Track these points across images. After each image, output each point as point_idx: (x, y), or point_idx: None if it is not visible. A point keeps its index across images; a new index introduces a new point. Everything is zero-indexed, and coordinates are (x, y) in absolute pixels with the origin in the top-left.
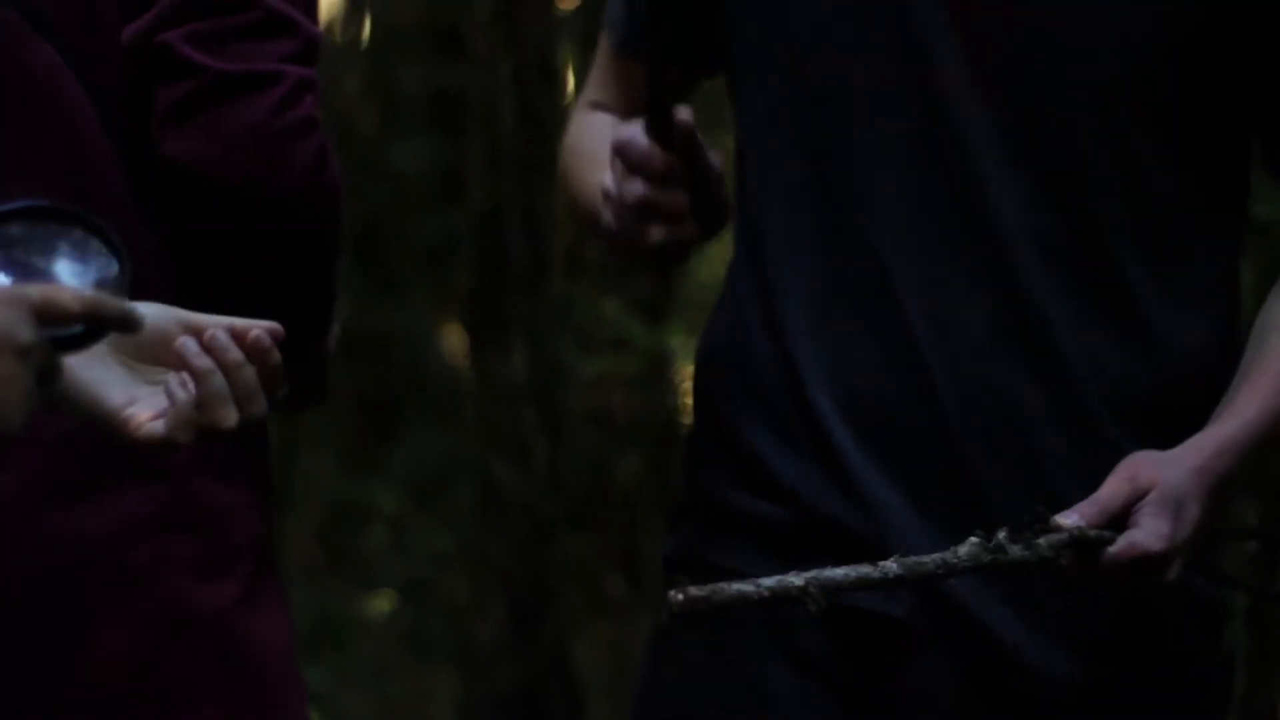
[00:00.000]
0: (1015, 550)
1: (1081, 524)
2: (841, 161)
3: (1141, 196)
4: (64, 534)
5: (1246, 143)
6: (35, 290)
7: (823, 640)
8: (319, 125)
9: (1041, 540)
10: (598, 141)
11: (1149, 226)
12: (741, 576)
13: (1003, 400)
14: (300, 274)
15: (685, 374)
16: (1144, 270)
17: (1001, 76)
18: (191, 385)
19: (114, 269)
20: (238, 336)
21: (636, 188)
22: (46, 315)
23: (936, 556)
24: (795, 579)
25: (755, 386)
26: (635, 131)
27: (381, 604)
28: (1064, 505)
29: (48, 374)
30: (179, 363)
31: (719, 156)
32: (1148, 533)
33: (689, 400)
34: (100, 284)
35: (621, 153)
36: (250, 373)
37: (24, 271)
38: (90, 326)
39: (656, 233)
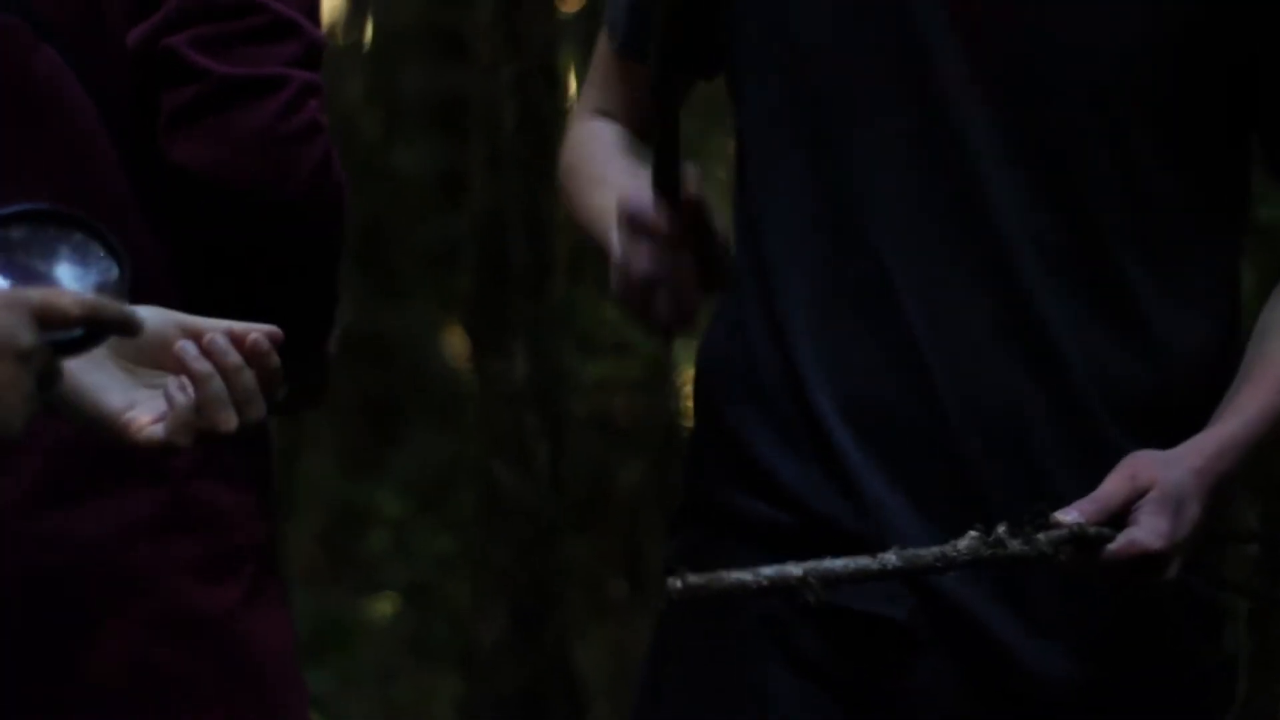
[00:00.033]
0: (1014, 545)
1: (1081, 521)
2: (841, 161)
3: (1141, 197)
4: (65, 536)
5: (1247, 143)
6: (36, 294)
7: (822, 642)
8: (324, 129)
9: (1041, 535)
10: (600, 161)
11: (1149, 226)
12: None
13: (1003, 400)
14: (304, 277)
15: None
16: (1144, 270)
17: (1001, 77)
18: (190, 389)
19: (114, 273)
20: (236, 340)
21: (643, 261)
22: (47, 319)
23: (935, 550)
24: (794, 569)
25: (756, 388)
26: (641, 196)
27: (383, 607)
28: (1064, 504)
29: (48, 378)
30: (178, 366)
31: (721, 222)
32: (1147, 531)
33: (691, 403)
34: (100, 288)
35: (628, 220)
36: (249, 376)
37: (24, 275)
38: (90, 330)
39: (663, 303)
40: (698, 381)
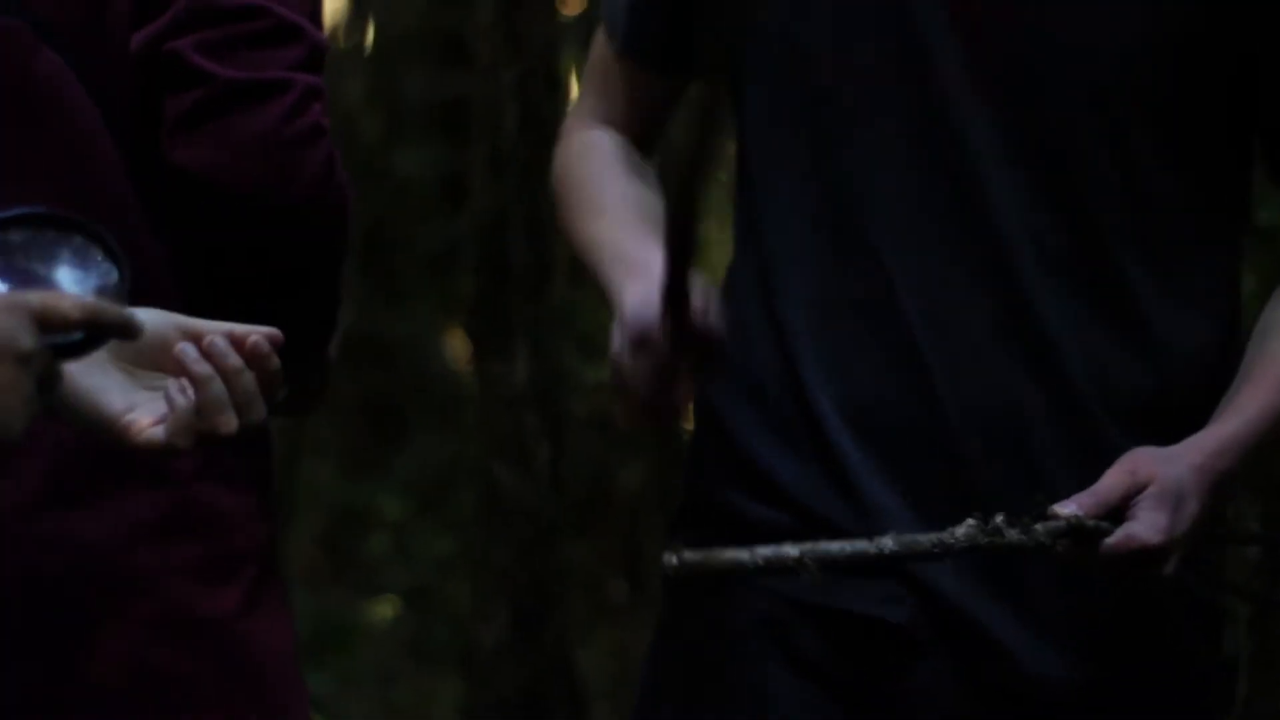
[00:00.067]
0: (1012, 535)
1: (1079, 514)
2: (841, 161)
3: (1141, 197)
4: (67, 538)
5: (1247, 145)
6: (36, 297)
7: (822, 643)
8: (327, 132)
9: (1039, 526)
10: (597, 183)
11: (1149, 227)
12: (743, 582)
13: (1002, 401)
14: (306, 280)
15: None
16: (1144, 271)
17: (1001, 77)
18: (191, 391)
19: (114, 276)
20: (236, 342)
21: (643, 375)
22: (47, 322)
23: (933, 536)
24: (791, 549)
25: (756, 389)
26: (647, 311)
27: (384, 609)
28: (1062, 499)
29: (48, 381)
30: (178, 369)
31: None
32: (1145, 525)
33: (691, 405)
34: (100, 291)
35: (635, 341)
36: (249, 378)
37: (25, 278)
38: (90, 333)
39: (660, 410)
40: (702, 384)
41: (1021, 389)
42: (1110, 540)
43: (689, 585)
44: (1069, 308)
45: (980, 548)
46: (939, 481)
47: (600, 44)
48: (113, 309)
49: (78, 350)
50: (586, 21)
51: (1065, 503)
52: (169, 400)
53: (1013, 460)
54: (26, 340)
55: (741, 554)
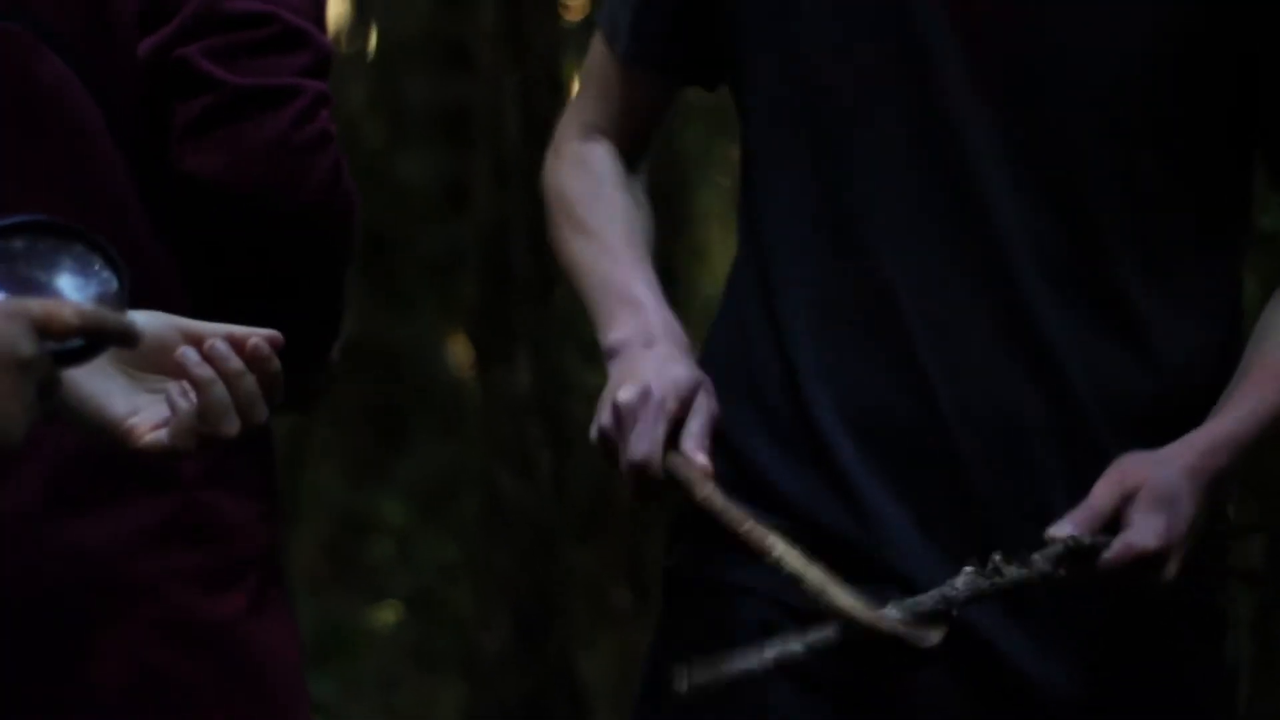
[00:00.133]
0: (1012, 570)
1: (1075, 533)
2: (841, 162)
3: (1142, 201)
4: (71, 544)
5: (1248, 149)
6: (36, 304)
7: (824, 657)
8: (334, 138)
9: (1037, 556)
10: (588, 203)
11: (1149, 231)
12: (743, 590)
13: (1002, 406)
14: (312, 286)
15: None
16: (1144, 275)
17: (1002, 78)
18: (193, 394)
19: (114, 284)
20: (237, 345)
21: (635, 482)
22: (47, 329)
23: (935, 593)
24: (796, 645)
25: (756, 396)
26: (652, 454)
27: (387, 615)
28: (1062, 514)
29: (48, 387)
30: (179, 372)
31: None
32: (1141, 531)
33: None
34: (101, 299)
35: (631, 469)
36: (251, 381)
37: (25, 286)
38: (90, 340)
39: (649, 498)
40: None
41: (1021, 393)
42: (1109, 553)
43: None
44: (1069, 312)
45: (984, 593)
46: (939, 490)
47: (598, 50)
48: (113, 316)
49: (78, 357)
50: (589, 27)
51: (1060, 523)
52: (171, 404)
53: (1012, 468)
54: (27, 347)
55: (750, 661)
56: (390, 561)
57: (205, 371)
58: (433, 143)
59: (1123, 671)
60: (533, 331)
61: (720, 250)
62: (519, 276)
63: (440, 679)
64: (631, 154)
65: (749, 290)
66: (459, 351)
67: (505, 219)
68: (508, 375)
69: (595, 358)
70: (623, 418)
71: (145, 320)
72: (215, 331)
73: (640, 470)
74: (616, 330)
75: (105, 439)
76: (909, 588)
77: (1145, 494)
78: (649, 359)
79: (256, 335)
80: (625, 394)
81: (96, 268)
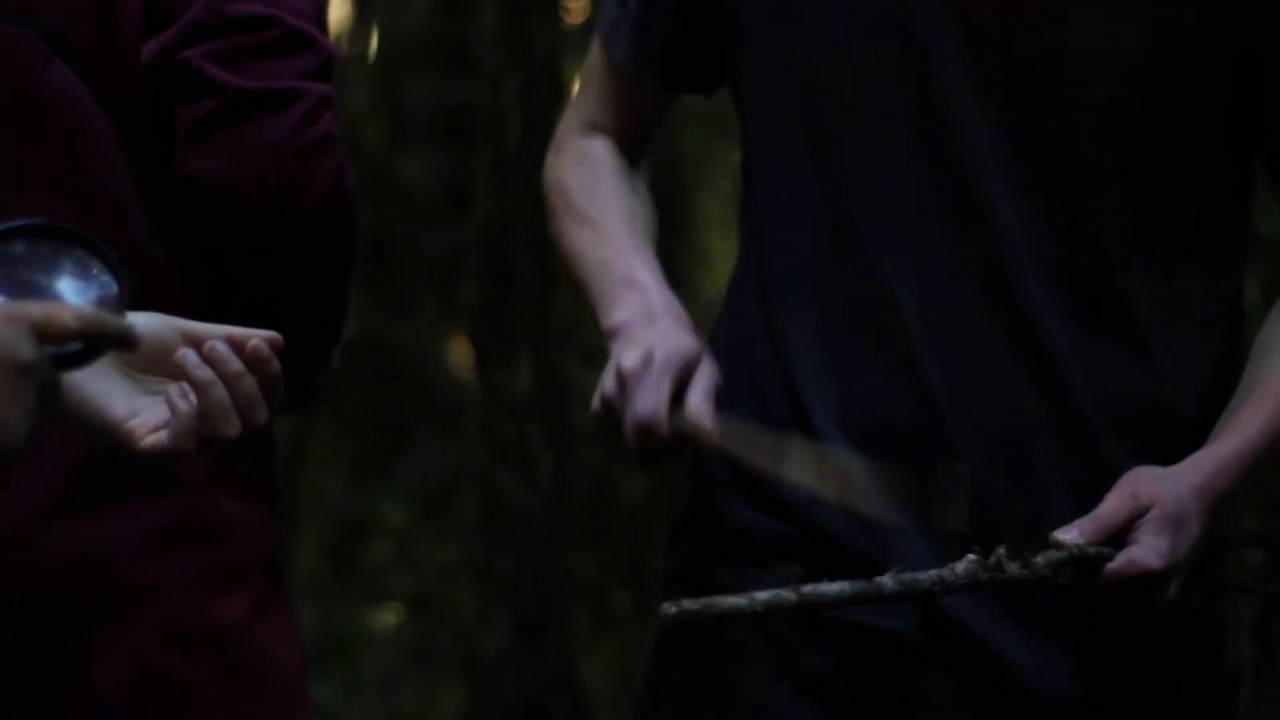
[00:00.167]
0: (1013, 568)
1: (1081, 541)
2: (841, 164)
3: (1142, 204)
4: (75, 547)
5: (1248, 152)
6: (36, 308)
7: (824, 657)
8: (338, 141)
9: (1039, 558)
10: (589, 194)
11: (1149, 235)
12: (743, 590)
13: (1002, 410)
14: (315, 288)
15: None
16: (1144, 279)
17: (1002, 80)
18: (193, 396)
19: (113, 288)
20: (237, 346)
21: (639, 444)
22: (47, 333)
23: (933, 573)
24: (789, 594)
25: (757, 397)
26: (659, 414)
27: (388, 617)
28: (1063, 522)
29: (48, 391)
30: (180, 374)
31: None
32: (1147, 550)
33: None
34: (100, 303)
35: (637, 428)
36: (251, 382)
37: (25, 289)
38: (90, 344)
39: (652, 463)
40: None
41: (1020, 394)
42: (1112, 566)
43: (689, 629)
44: (1068, 313)
45: (981, 584)
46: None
47: (597, 55)
48: (112, 320)
49: (77, 361)
50: (590, 29)
51: (1066, 529)
52: (171, 405)
53: (1013, 474)
54: (27, 351)
55: (740, 600)
56: (390, 564)
57: (205, 373)
58: (434, 144)
59: (1122, 675)
60: (534, 333)
61: (721, 253)
62: (520, 278)
63: (440, 681)
64: (631, 152)
65: (749, 292)
66: (460, 353)
67: (506, 221)
68: (508, 377)
69: (596, 360)
70: (627, 381)
71: (145, 322)
72: (215, 333)
73: (645, 428)
74: (619, 311)
75: (105, 441)
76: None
77: (1156, 512)
78: (652, 332)
79: (256, 337)
80: (629, 360)
81: (96, 271)
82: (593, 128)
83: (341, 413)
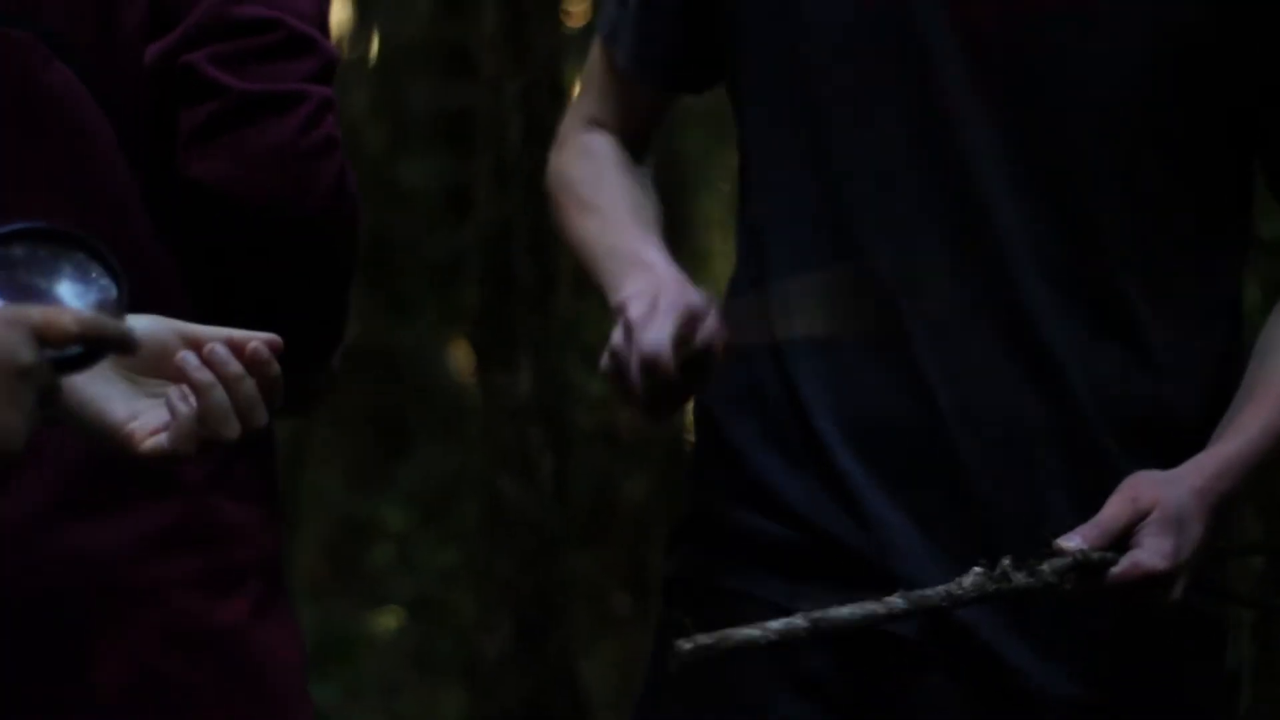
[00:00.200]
0: (1019, 578)
1: (1084, 546)
2: (841, 164)
3: (1142, 205)
4: (75, 550)
5: (1249, 153)
6: (36, 311)
7: (826, 662)
8: (339, 144)
9: (1045, 566)
10: (592, 184)
11: (1149, 236)
12: (744, 596)
13: (1003, 412)
14: (316, 291)
15: None
16: (1145, 282)
17: (1002, 83)
18: (192, 398)
19: (113, 292)
20: (236, 349)
21: (646, 384)
22: (47, 336)
23: (941, 589)
24: (800, 621)
25: (757, 403)
26: (661, 343)
27: (388, 620)
28: (1065, 524)
29: (48, 394)
30: (179, 376)
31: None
32: (1151, 552)
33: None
34: (100, 306)
35: (643, 365)
36: (250, 385)
37: (25, 292)
38: (89, 348)
39: (660, 409)
40: (699, 396)
41: (1021, 395)
42: (1116, 570)
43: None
44: (1068, 314)
45: (989, 595)
46: (941, 499)
47: (598, 54)
48: (112, 323)
49: (77, 364)
50: (590, 32)
51: (1069, 535)
52: (171, 408)
53: (1014, 477)
54: (27, 354)
55: (753, 632)
56: (391, 567)
57: (205, 375)
58: (434, 148)
59: (1123, 677)
60: (534, 336)
61: (721, 255)
62: (520, 281)
63: (441, 684)
64: (634, 149)
65: (749, 295)
66: (460, 356)
67: (507, 224)
68: (509, 380)
69: (596, 363)
70: (633, 326)
71: (145, 324)
72: (215, 335)
73: (651, 362)
74: (627, 287)
75: (105, 444)
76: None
77: (1157, 515)
78: (660, 291)
79: (256, 339)
80: (635, 308)
81: (95, 275)
82: (595, 124)
83: (342, 415)
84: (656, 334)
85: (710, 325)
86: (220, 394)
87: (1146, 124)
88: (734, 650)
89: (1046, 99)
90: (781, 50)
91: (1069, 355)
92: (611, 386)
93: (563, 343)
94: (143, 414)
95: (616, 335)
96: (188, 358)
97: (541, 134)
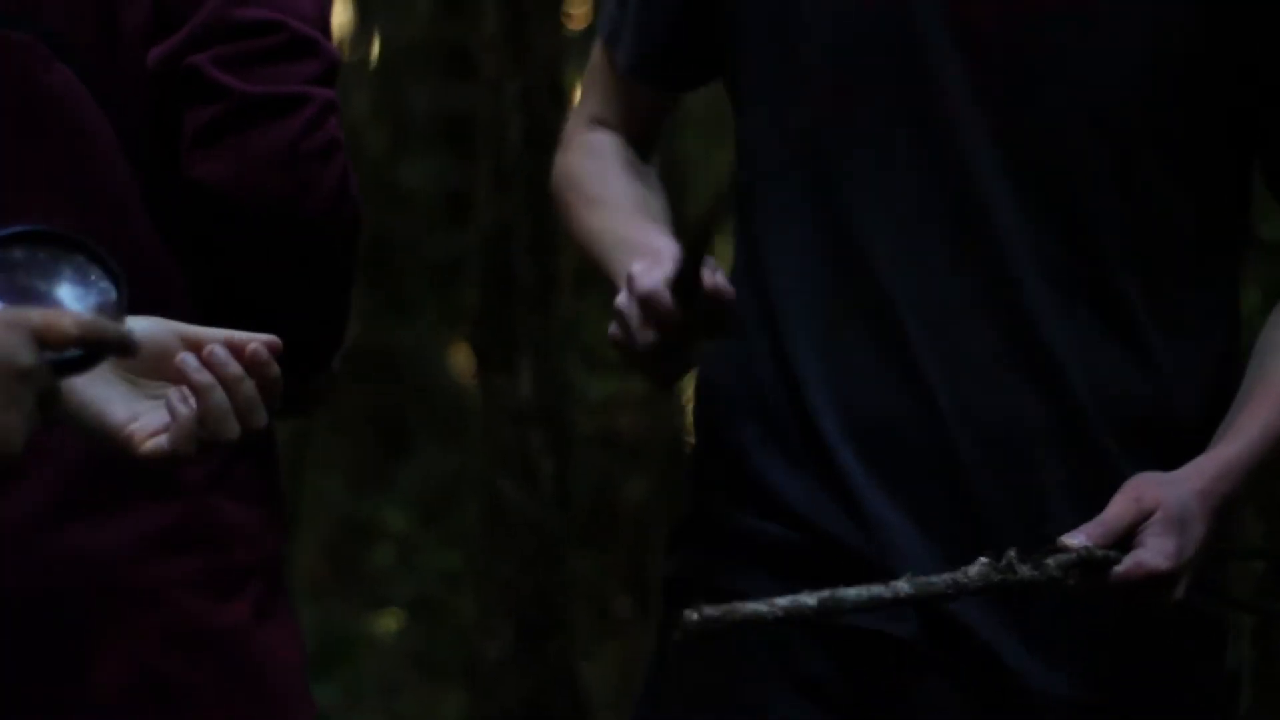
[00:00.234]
0: (1024, 571)
1: (1088, 544)
2: (840, 166)
3: (1141, 207)
4: (76, 551)
5: (1248, 159)
6: (36, 314)
7: (825, 662)
8: (342, 146)
9: (1050, 560)
10: (598, 180)
11: (1150, 242)
12: (744, 597)
13: (1004, 416)
14: (318, 292)
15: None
16: (1143, 282)
17: (1001, 83)
18: (192, 399)
19: (113, 294)
20: (236, 350)
21: (649, 334)
22: (47, 339)
23: (947, 576)
24: (808, 599)
25: (757, 405)
26: (658, 284)
27: (389, 622)
28: (1064, 524)
29: (48, 397)
30: (179, 378)
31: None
32: (1153, 551)
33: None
34: (100, 309)
35: (643, 304)
36: (250, 386)
37: (25, 295)
38: (89, 350)
39: (667, 366)
40: (699, 397)
41: (1021, 397)
42: (1119, 568)
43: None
44: (1069, 316)
45: (994, 586)
46: (941, 500)
47: (599, 57)
48: (111, 326)
49: (77, 366)
50: (591, 34)
51: (1073, 533)
52: (171, 409)
53: (1014, 478)
54: (27, 357)
55: (760, 606)
56: (392, 568)
57: (205, 377)
58: (435, 150)
59: (1123, 679)
60: (535, 338)
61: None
62: (521, 283)
63: (442, 686)
64: (638, 148)
65: (748, 295)
66: (461, 358)
67: (507, 226)
68: (509, 382)
69: (598, 365)
70: (634, 279)
71: (144, 326)
72: (214, 337)
73: (648, 301)
74: (637, 263)
75: (105, 445)
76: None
77: (1160, 515)
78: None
79: (256, 340)
80: (637, 266)
81: (95, 277)
82: (599, 124)
83: (342, 416)
84: (654, 276)
85: (716, 274)
86: (220, 395)
87: (1146, 124)
88: (740, 624)
89: (1046, 99)
90: (781, 51)
91: (1069, 355)
92: (619, 351)
93: (563, 344)
94: (143, 415)
95: (621, 296)
96: (187, 359)
97: (542, 136)
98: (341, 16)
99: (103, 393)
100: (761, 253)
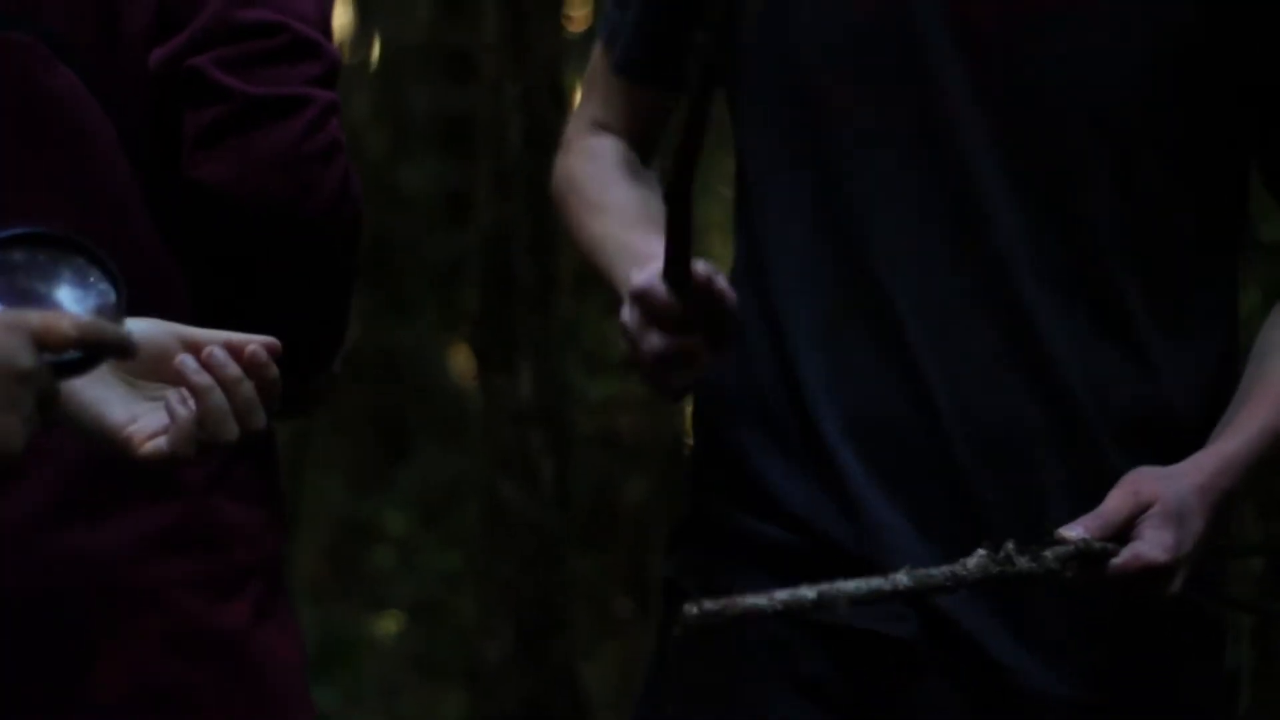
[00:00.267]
0: (1022, 562)
1: (1086, 536)
2: (840, 168)
3: (1141, 208)
4: (76, 552)
5: (1247, 160)
6: (35, 316)
7: (824, 662)
8: (343, 148)
9: (1048, 553)
10: (599, 184)
11: (1148, 243)
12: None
13: (1003, 417)
14: (319, 293)
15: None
16: (1143, 283)
17: (1003, 97)
18: (191, 401)
19: (112, 297)
20: (235, 352)
21: (655, 340)
22: (46, 341)
23: (945, 569)
24: (808, 591)
25: (757, 405)
26: (653, 279)
27: (389, 624)
28: (1063, 524)
29: (47, 399)
30: (178, 379)
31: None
32: (1151, 544)
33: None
34: (99, 311)
35: (640, 302)
36: (249, 387)
37: (24, 297)
38: (88, 352)
39: (675, 376)
40: (698, 398)
41: (1021, 399)
42: (1117, 561)
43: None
44: (1068, 318)
45: (992, 578)
46: (941, 501)
47: (599, 59)
48: (111, 328)
49: (76, 368)
50: (591, 37)
51: (1071, 526)
52: (170, 411)
53: (1013, 480)
54: (26, 359)
55: (759, 599)
56: (392, 570)
57: (204, 378)
58: (435, 152)
59: (1121, 676)
60: (535, 339)
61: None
62: (521, 285)
63: (442, 687)
64: (640, 151)
65: (749, 294)
66: (461, 359)
67: (507, 227)
68: (510, 383)
69: (598, 366)
70: (633, 283)
71: (143, 328)
72: (213, 338)
73: (644, 296)
74: (637, 276)
75: (104, 447)
76: (914, 600)
77: (1158, 508)
78: None
79: (254, 342)
80: (638, 274)
81: (94, 279)
82: (600, 127)
83: (342, 417)
84: (647, 273)
85: (716, 276)
86: (219, 397)
87: (1146, 124)
88: (739, 617)
89: (1046, 99)
90: (780, 53)
91: (1068, 355)
92: (630, 361)
93: (563, 345)
94: (142, 417)
95: (624, 310)
96: (186, 361)
97: (542, 137)
98: (342, 18)
99: (102, 394)
100: (762, 253)
